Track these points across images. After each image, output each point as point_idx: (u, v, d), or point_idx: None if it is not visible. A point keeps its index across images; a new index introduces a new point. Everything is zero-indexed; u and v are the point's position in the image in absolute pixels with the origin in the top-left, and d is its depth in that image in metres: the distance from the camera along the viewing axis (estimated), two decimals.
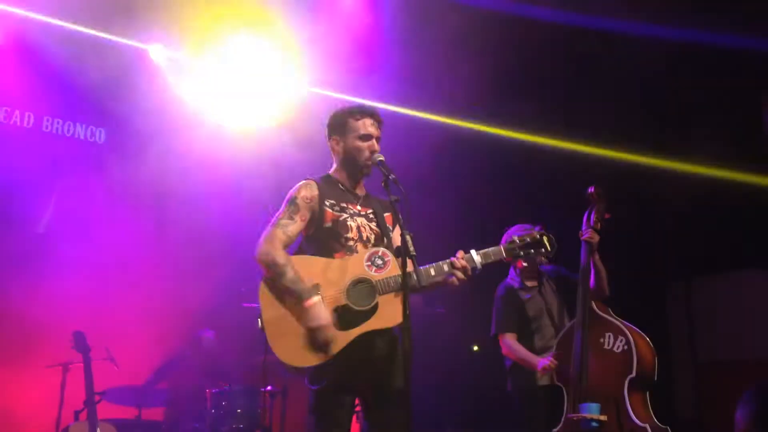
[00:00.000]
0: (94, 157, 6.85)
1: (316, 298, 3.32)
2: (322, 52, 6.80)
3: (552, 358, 4.55)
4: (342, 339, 3.32)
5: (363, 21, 6.97)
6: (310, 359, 3.32)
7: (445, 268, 3.43)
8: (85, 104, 6.79)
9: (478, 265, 3.46)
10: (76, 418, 5.48)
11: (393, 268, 3.39)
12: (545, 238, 3.60)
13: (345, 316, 3.35)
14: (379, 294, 3.37)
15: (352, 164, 3.65)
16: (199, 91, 7.11)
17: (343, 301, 3.36)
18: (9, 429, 5.87)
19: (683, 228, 7.30)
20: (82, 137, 6.90)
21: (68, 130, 6.83)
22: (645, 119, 7.14)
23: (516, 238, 3.60)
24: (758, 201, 6.62)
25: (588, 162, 6.80)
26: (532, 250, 3.59)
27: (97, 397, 5.45)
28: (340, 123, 3.68)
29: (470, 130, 7.14)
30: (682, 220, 7.33)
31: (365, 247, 3.54)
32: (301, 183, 3.61)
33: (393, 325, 3.38)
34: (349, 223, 3.55)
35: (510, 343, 4.86)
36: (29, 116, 6.62)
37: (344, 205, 3.59)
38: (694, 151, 6.90)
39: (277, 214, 3.53)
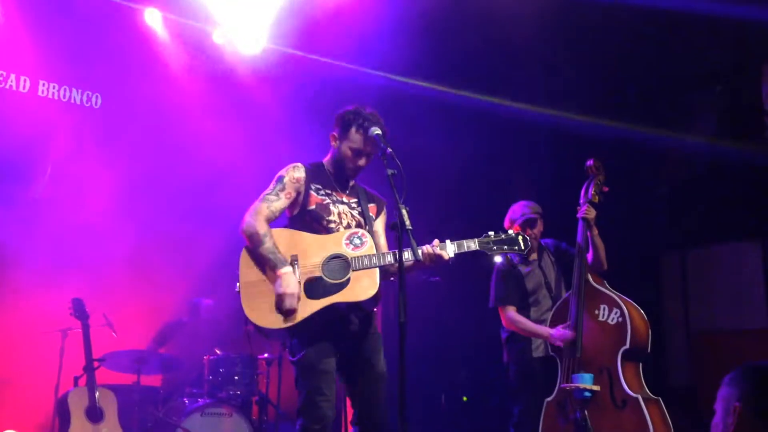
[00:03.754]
0: (90, 122, 6.81)
1: (288, 269, 3.51)
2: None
3: (570, 331, 4.54)
4: (310, 307, 3.51)
5: None
6: (276, 322, 3.51)
7: (419, 254, 3.53)
8: (81, 69, 6.73)
9: (451, 253, 3.59)
10: (76, 384, 5.53)
11: (369, 248, 3.60)
12: (520, 238, 3.72)
13: (318, 287, 3.54)
14: (353, 269, 3.55)
15: (340, 165, 3.82)
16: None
17: (318, 273, 3.55)
18: (8, 394, 5.91)
19: (678, 199, 7.30)
20: (78, 102, 6.83)
21: (64, 95, 6.77)
22: (642, 90, 7.11)
23: (492, 234, 3.71)
24: (754, 173, 6.62)
25: (584, 133, 6.78)
26: (506, 247, 3.70)
27: (95, 363, 5.49)
28: (343, 125, 3.78)
29: (466, 100, 7.10)
30: (677, 191, 7.33)
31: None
32: (290, 165, 3.79)
33: (361, 300, 3.55)
34: (331, 207, 3.74)
35: (512, 316, 4.89)
36: (25, 80, 6.55)
37: (329, 191, 3.78)
38: (692, 122, 6.88)
39: (265, 191, 3.72)
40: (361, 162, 3.76)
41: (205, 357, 5.86)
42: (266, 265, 3.55)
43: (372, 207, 3.88)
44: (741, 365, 2.28)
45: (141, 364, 5.76)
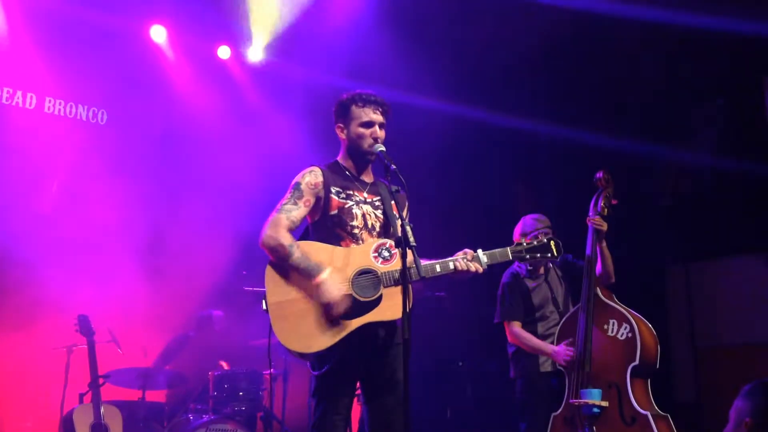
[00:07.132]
0: (96, 138, 6.84)
1: (325, 274, 3.34)
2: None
3: (573, 348, 4.52)
4: (343, 329, 3.36)
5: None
6: (310, 345, 3.37)
7: (451, 266, 3.45)
8: (87, 85, 6.77)
9: (484, 265, 3.48)
10: (81, 401, 5.50)
11: (399, 261, 3.37)
12: (552, 243, 3.59)
13: (349, 306, 3.37)
14: (384, 286, 3.39)
15: (356, 151, 3.65)
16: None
17: (348, 291, 3.38)
18: (14, 411, 5.92)
19: (682, 212, 7.29)
20: (84, 118, 6.88)
21: (70, 111, 6.81)
22: (644, 104, 7.12)
23: (524, 242, 3.60)
24: (758, 186, 6.62)
25: (587, 147, 6.78)
26: (539, 255, 3.58)
27: (101, 380, 5.48)
28: (343, 110, 3.67)
29: (473, 116, 7.12)
30: (681, 205, 7.32)
31: (370, 235, 3.56)
32: (305, 170, 3.61)
33: (394, 319, 3.40)
34: (354, 210, 3.56)
35: (517, 331, 4.86)
36: (31, 97, 6.60)
37: (350, 192, 3.60)
38: (695, 136, 6.88)
39: (281, 200, 3.54)
40: (375, 133, 3.57)
41: (210, 372, 5.85)
42: (298, 279, 3.37)
43: (395, 206, 3.62)
44: (759, 380, 2.27)
45: (146, 380, 5.75)
